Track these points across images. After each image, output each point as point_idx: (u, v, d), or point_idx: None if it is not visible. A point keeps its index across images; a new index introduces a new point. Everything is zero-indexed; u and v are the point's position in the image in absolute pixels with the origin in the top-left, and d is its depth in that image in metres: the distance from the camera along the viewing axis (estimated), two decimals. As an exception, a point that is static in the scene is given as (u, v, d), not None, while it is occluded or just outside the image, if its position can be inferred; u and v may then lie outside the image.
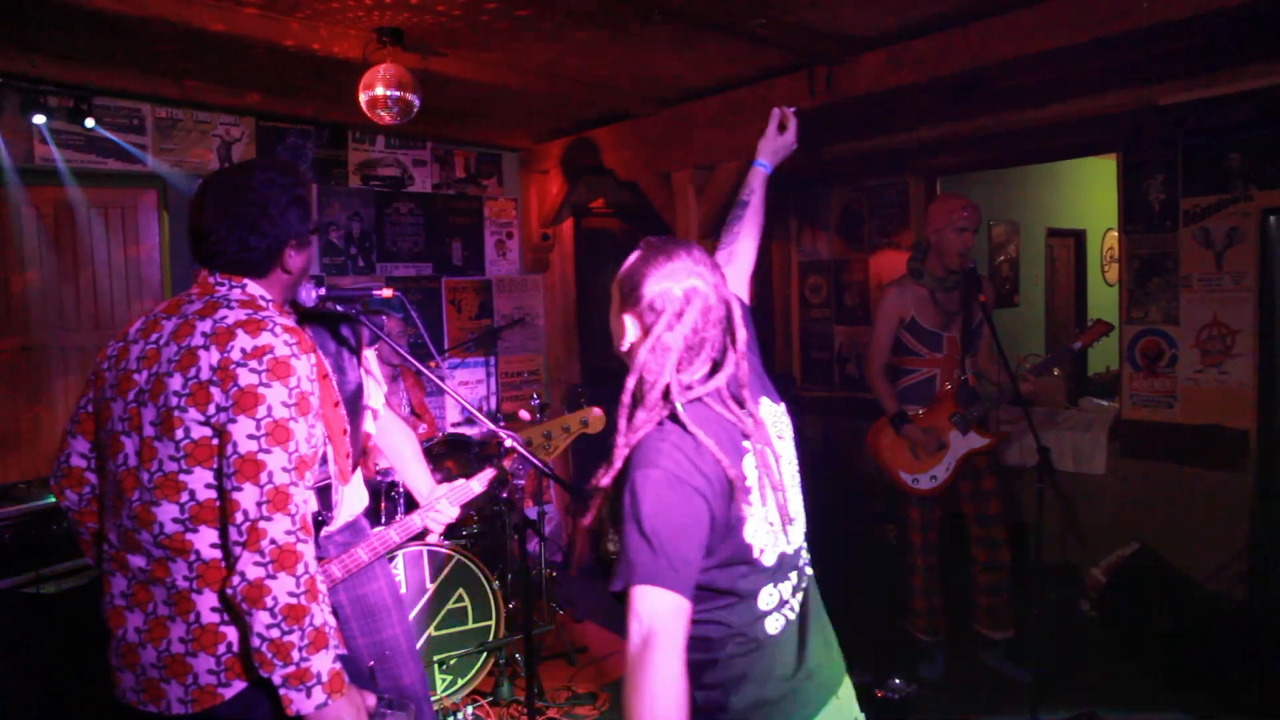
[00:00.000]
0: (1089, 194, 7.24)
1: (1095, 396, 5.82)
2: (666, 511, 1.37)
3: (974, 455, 3.80)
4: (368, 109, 3.39)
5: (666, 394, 1.46)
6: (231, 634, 1.58)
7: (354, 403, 2.45)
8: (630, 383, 1.48)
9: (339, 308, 2.20)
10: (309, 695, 1.53)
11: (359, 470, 2.60)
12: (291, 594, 1.51)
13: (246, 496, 1.52)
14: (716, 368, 1.51)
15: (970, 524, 3.90)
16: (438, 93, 3.78)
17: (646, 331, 1.50)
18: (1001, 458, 4.52)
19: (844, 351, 6.34)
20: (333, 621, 1.67)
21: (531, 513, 4.93)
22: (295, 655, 1.51)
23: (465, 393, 5.31)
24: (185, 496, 1.58)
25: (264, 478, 1.53)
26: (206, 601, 1.58)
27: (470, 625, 3.64)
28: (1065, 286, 7.39)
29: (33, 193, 4.02)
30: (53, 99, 3.92)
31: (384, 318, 3.88)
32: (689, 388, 1.49)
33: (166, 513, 1.59)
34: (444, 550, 3.60)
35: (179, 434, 1.57)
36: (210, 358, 1.57)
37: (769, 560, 1.51)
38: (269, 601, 1.49)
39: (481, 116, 4.86)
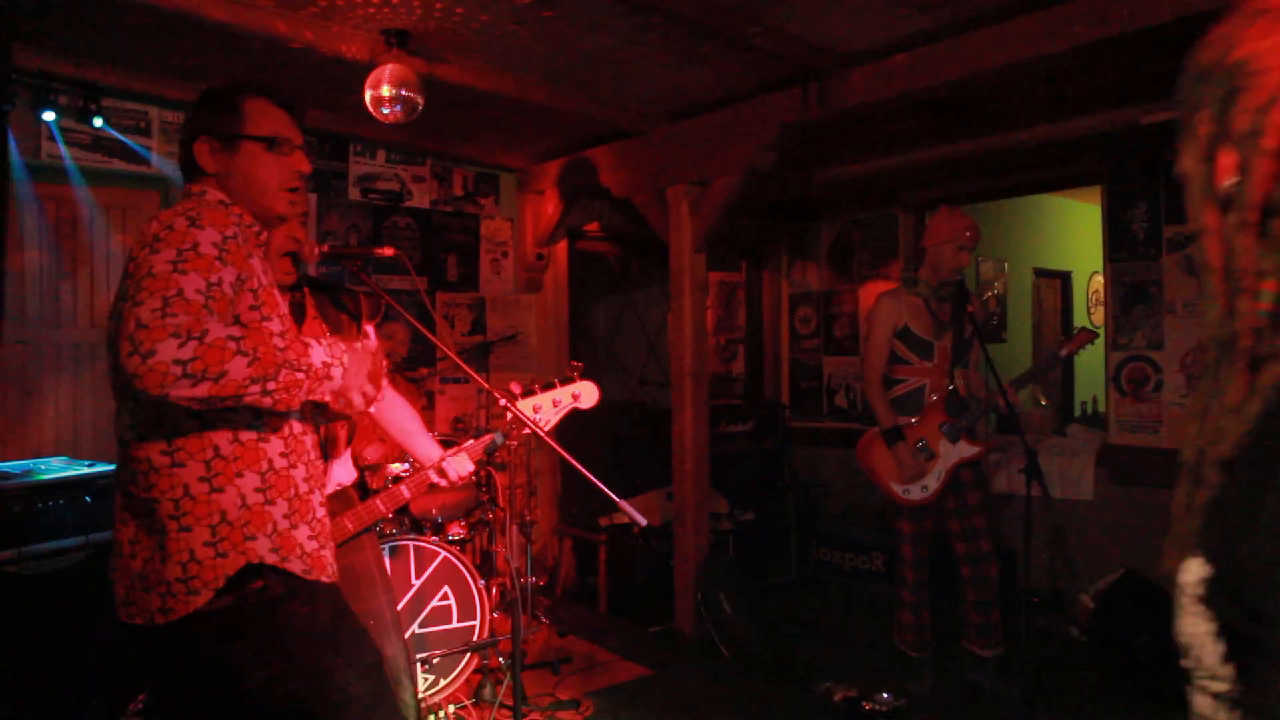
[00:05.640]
0: (1074, 237, 7.39)
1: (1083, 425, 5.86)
2: None
3: (961, 468, 3.82)
4: (373, 107, 3.47)
5: None
6: (192, 540, 1.57)
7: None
8: None
9: (339, 265, 2.24)
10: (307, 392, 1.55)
11: (349, 446, 2.62)
12: (178, 361, 1.40)
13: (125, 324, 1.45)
14: None
15: (957, 540, 3.89)
16: (440, 107, 3.88)
17: None
18: (989, 484, 4.54)
19: (833, 382, 6.39)
20: (280, 343, 1.60)
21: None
22: (256, 388, 1.47)
23: (455, 408, 5.32)
24: (133, 403, 1.61)
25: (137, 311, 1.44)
26: (165, 510, 1.58)
27: (455, 624, 3.60)
28: (1051, 326, 7.50)
29: (39, 189, 4.08)
30: (63, 97, 4.00)
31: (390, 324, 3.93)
32: None
33: (124, 420, 1.62)
34: (431, 547, 3.58)
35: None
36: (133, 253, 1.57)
37: None
38: (169, 376, 1.39)
39: (481, 134, 4.98)
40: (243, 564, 1.58)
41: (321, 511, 1.81)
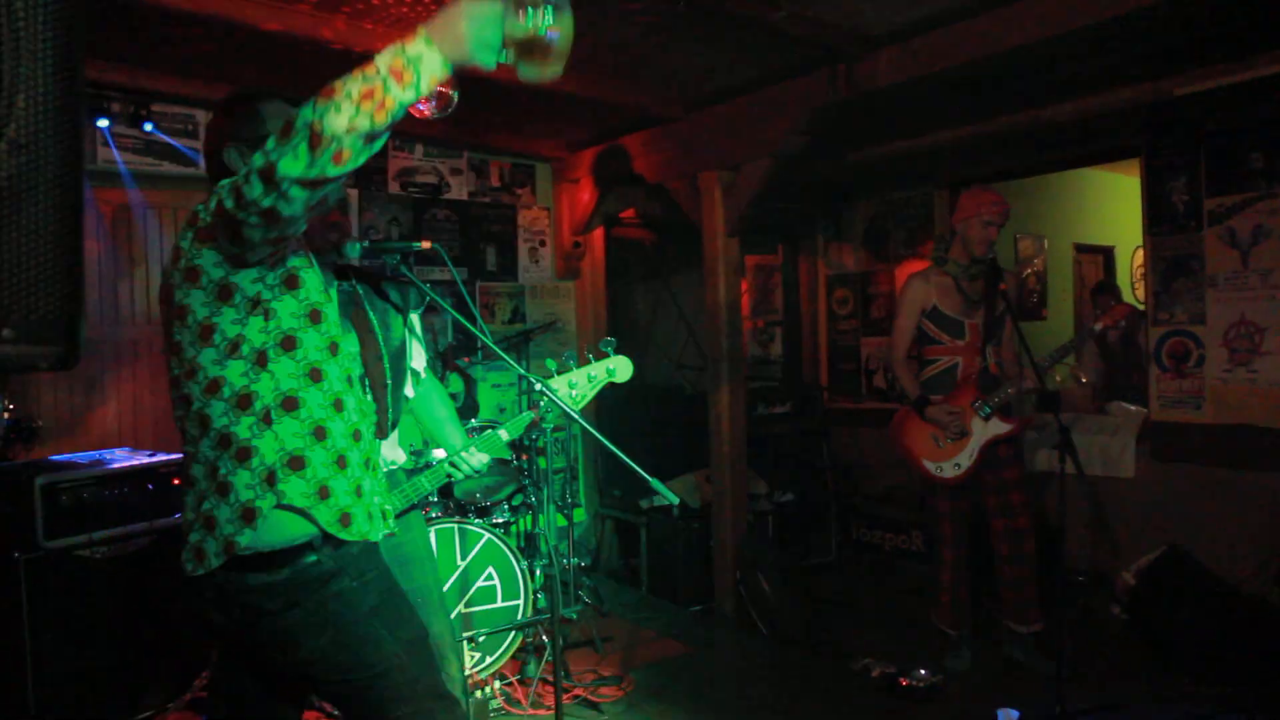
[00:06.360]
0: (1117, 211, 7.27)
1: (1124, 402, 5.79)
2: None
3: (997, 444, 3.82)
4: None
5: None
6: (237, 484, 1.68)
7: (397, 361, 2.58)
8: None
9: (379, 259, 2.34)
10: (415, 79, 1.43)
11: (396, 429, 2.73)
12: (263, 160, 1.48)
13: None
14: None
15: (994, 516, 3.90)
16: (474, 101, 3.95)
17: None
18: (1027, 461, 4.53)
19: (871, 363, 6.39)
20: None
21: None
22: (347, 107, 1.41)
23: (498, 395, 5.44)
24: (202, 375, 1.70)
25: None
26: (224, 465, 1.69)
27: (499, 604, 3.72)
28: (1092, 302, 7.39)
29: (94, 193, 4.26)
30: (115, 104, 4.16)
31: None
32: None
33: (187, 393, 1.71)
34: (475, 529, 3.69)
35: (186, 317, 1.70)
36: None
37: None
38: (270, 167, 1.46)
39: (516, 125, 5.06)
40: (276, 505, 1.68)
41: (368, 468, 1.88)
